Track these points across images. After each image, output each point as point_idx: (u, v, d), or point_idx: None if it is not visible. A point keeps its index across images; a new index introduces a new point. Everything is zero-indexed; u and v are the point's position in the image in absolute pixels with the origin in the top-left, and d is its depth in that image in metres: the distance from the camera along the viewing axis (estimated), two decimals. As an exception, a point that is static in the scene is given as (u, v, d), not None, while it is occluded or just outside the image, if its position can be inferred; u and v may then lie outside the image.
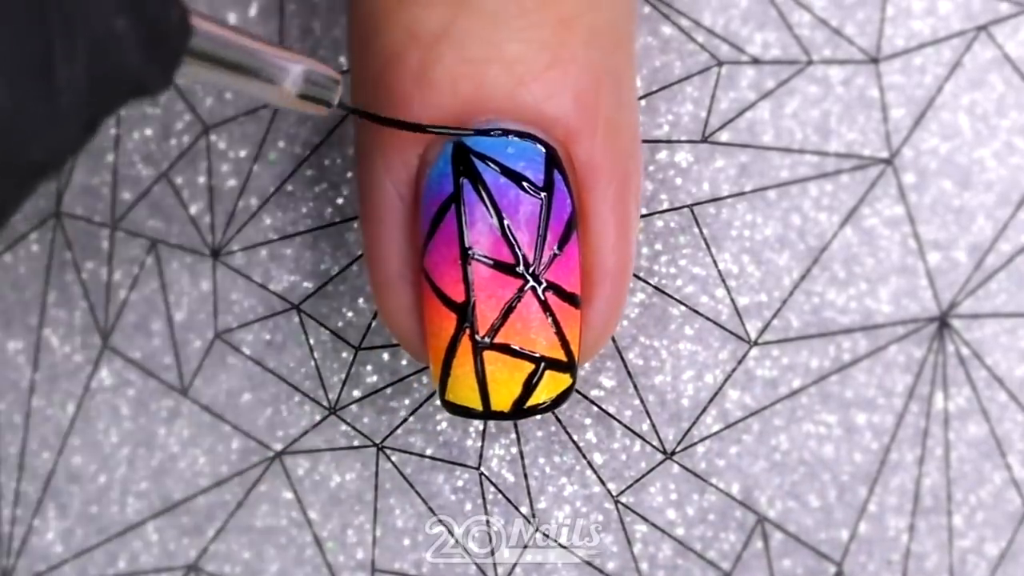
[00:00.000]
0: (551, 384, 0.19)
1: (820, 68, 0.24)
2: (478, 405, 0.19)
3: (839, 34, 0.24)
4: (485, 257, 0.19)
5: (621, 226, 0.20)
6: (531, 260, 0.19)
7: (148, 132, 0.25)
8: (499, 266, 0.19)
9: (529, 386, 0.19)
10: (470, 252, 0.19)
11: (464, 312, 0.19)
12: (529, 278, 0.19)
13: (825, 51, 0.24)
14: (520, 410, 0.19)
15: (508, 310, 0.19)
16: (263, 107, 0.24)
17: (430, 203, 0.19)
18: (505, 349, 0.19)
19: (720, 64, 0.24)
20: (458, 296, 0.19)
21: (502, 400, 0.19)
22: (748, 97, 0.24)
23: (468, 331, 0.19)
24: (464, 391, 0.19)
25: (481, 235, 0.19)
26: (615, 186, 0.20)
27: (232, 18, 0.25)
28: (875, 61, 0.24)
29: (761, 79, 0.24)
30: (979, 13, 0.24)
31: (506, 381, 0.19)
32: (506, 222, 0.19)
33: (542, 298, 0.19)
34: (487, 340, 0.19)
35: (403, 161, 0.20)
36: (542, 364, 0.19)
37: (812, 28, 0.24)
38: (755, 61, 0.24)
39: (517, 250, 0.19)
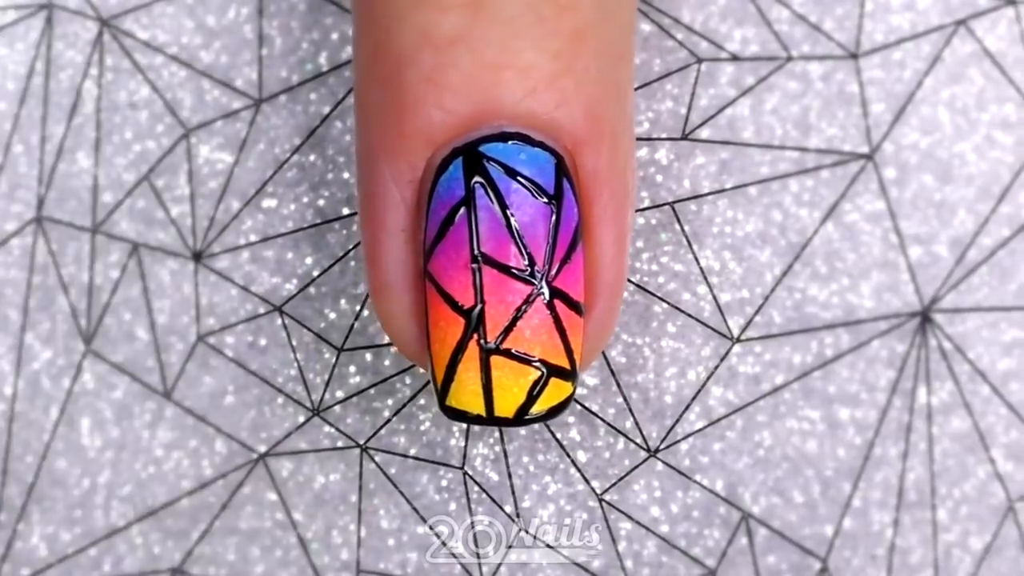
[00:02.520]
0: (554, 392, 0.19)
1: (799, 64, 0.24)
2: (481, 410, 0.19)
3: (818, 30, 0.24)
4: (496, 262, 0.19)
5: (619, 238, 0.20)
6: (541, 267, 0.19)
7: (128, 135, 0.25)
8: (509, 271, 0.19)
9: (533, 393, 0.19)
10: (481, 257, 0.19)
11: (472, 317, 0.19)
12: (539, 285, 0.19)
13: (804, 47, 0.24)
14: (522, 417, 0.19)
15: (517, 316, 0.19)
16: (243, 109, 0.24)
17: (439, 207, 0.19)
18: (512, 355, 0.19)
19: (699, 61, 0.24)
20: (466, 300, 0.19)
21: (506, 406, 0.19)
22: (728, 94, 0.24)
23: (476, 336, 0.19)
24: (467, 396, 0.19)
25: (492, 240, 0.19)
26: (616, 198, 0.20)
27: (211, 20, 0.25)
28: (854, 56, 0.24)
29: (741, 76, 0.24)
30: (958, 7, 0.24)
31: (511, 387, 0.19)
32: (517, 228, 0.19)
33: (551, 305, 0.19)
34: (494, 345, 0.19)
35: (409, 165, 0.20)
36: (547, 371, 0.19)
37: (791, 24, 0.24)
38: (734, 58, 0.24)
39: (528, 256, 0.19)
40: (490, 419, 0.19)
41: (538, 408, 0.19)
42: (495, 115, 0.19)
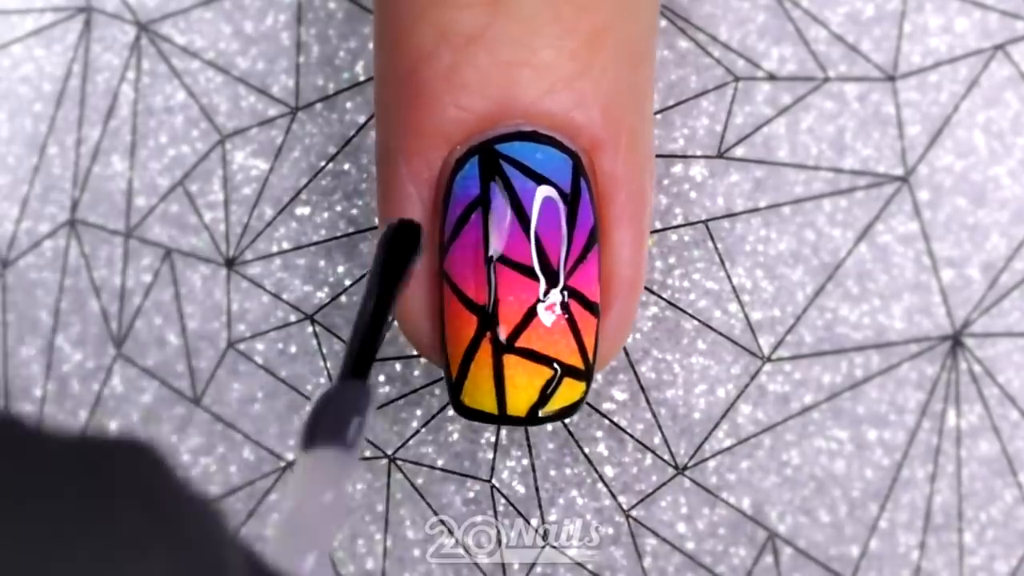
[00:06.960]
0: (567, 392, 0.19)
1: (836, 84, 0.24)
2: (494, 409, 0.19)
3: (855, 50, 0.24)
4: (510, 261, 0.19)
5: (637, 238, 0.20)
6: (555, 266, 0.19)
7: (163, 140, 0.25)
8: (523, 270, 0.19)
9: (546, 392, 0.19)
10: (495, 255, 0.19)
11: (486, 314, 0.19)
12: (553, 284, 0.19)
13: (841, 67, 0.24)
14: (535, 416, 0.19)
15: (530, 314, 0.19)
16: (279, 116, 0.25)
17: (455, 205, 0.19)
18: (526, 353, 0.19)
19: (736, 79, 0.24)
20: (480, 298, 0.19)
21: (519, 405, 0.19)
22: (764, 112, 0.24)
23: (489, 334, 0.19)
24: (481, 395, 0.19)
25: (506, 238, 0.19)
26: (633, 199, 0.20)
27: (249, 27, 0.25)
28: (891, 78, 0.24)
29: (777, 95, 0.24)
30: (996, 31, 0.24)
31: (525, 386, 0.19)
32: (532, 227, 0.19)
33: (565, 304, 0.19)
34: (507, 343, 0.19)
35: (426, 164, 0.20)
36: (561, 370, 0.19)
37: (828, 44, 0.24)
38: (771, 76, 0.24)
39: (542, 256, 0.19)
40: (503, 417, 0.19)
41: (551, 407, 0.19)
42: (512, 114, 0.19)
